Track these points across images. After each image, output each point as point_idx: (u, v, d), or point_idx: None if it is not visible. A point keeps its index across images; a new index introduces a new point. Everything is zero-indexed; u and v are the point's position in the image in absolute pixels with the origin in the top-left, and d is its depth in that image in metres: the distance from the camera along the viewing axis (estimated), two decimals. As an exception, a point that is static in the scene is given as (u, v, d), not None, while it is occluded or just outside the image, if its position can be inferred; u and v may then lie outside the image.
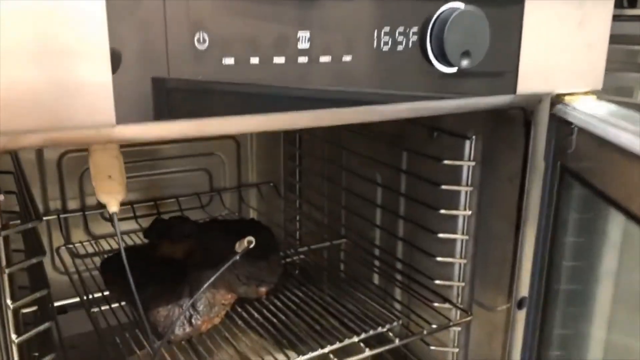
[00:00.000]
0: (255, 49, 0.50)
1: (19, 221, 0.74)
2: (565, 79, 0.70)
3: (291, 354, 0.76)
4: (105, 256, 0.99)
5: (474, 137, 0.86)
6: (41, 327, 0.59)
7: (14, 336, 0.56)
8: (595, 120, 0.61)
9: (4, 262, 0.54)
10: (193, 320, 0.78)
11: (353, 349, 0.79)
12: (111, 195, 0.60)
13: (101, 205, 1.24)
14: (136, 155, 1.23)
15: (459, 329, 0.91)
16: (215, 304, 0.80)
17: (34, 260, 0.61)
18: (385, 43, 0.56)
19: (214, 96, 0.50)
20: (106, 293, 0.91)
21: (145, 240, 1.03)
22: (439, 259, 0.92)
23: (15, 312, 0.65)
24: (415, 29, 0.57)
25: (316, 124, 0.59)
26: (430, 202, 0.92)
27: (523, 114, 0.73)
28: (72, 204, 1.21)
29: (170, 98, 0.48)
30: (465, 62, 0.59)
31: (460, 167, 0.88)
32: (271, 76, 0.52)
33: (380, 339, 0.84)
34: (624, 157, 0.55)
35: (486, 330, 0.88)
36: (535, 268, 0.76)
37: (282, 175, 1.40)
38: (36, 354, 0.84)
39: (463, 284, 0.91)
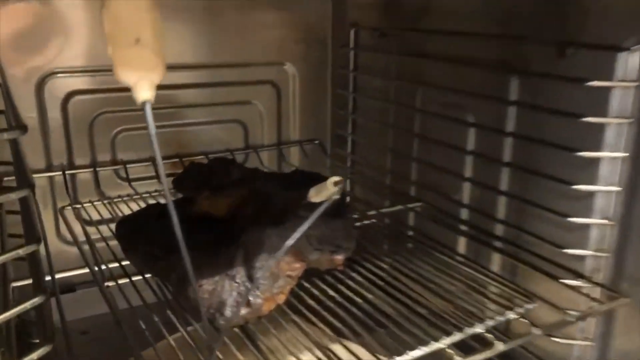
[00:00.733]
0: None
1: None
2: None
3: (393, 346, 0.52)
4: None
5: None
6: (26, 305, 0.36)
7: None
8: None
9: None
10: (251, 298, 0.55)
11: (472, 342, 0.55)
12: (140, 73, 0.35)
13: (116, 161, 1.05)
14: (156, 102, 1.00)
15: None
16: (279, 275, 0.57)
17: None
18: None
19: None
20: (125, 263, 0.68)
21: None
22: (572, 219, 0.68)
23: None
24: None
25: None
26: (559, 142, 0.68)
27: None
28: (80, 160, 0.98)
29: None
30: None
31: (608, 91, 0.64)
32: None
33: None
34: None
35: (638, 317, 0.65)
36: None
37: (329, 127, 1.17)
38: (37, 340, 0.67)
39: (607, 254, 0.67)
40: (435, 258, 0.71)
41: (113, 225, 0.71)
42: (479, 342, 0.55)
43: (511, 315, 0.58)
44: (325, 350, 0.53)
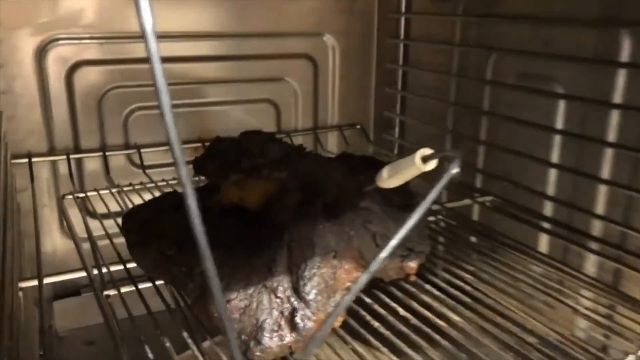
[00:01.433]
0: None
1: None
2: None
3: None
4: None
5: None
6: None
7: None
8: None
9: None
10: (299, 319, 0.39)
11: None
12: None
13: (129, 145, 0.90)
14: (175, 76, 0.86)
15: None
16: (336, 287, 0.41)
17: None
18: None
19: None
20: (131, 266, 0.53)
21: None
22: None
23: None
24: None
25: None
26: None
27: None
28: (88, 143, 0.84)
29: None
30: None
31: None
32: None
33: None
34: None
35: None
36: None
37: (372, 108, 1.01)
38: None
39: None
40: (533, 268, 0.55)
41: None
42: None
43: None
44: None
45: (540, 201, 0.71)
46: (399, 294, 0.48)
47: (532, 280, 0.51)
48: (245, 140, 0.49)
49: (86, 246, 0.60)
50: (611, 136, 0.62)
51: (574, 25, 0.63)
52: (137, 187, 0.75)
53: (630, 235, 0.59)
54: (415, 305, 0.47)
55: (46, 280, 0.53)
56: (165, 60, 0.83)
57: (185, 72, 0.88)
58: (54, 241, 0.85)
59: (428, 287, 0.49)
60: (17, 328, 0.47)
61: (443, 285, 0.50)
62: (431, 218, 0.65)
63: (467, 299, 0.47)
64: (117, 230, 0.57)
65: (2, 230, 0.46)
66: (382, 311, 0.46)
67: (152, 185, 0.77)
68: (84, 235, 0.62)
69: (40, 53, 0.78)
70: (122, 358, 0.40)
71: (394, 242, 0.23)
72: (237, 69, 0.91)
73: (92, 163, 0.84)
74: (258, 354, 0.38)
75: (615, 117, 0.62)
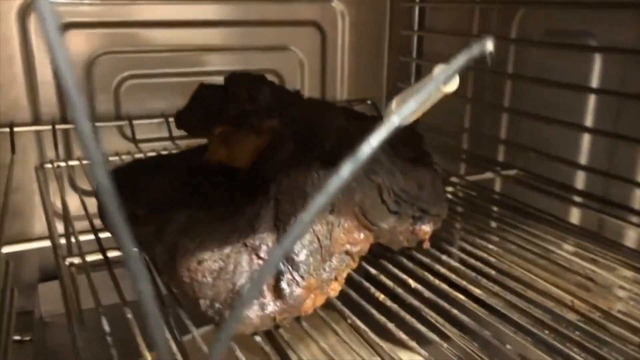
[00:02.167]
0: None
1: None
2: None
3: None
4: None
5: None
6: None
7: None
8: None
9: None
10: (285, 285, 0.32)
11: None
12: None
13: (120, 115, 0.83)
14: (172, 42, 0.80)
15: None
16: (332, 249, 0.34)
17: None
18: None
19: None
20: (105, 236, 0.46)
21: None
22: None
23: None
24: None
25: None
26: None
27: None
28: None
29: None
30: None
31: None
32: None
33: None
34: None
35: None
36: None
37: (384, 81, 0.93)
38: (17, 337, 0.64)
39: None
40: (565, 237, 0.47)
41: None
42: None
43: None
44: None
45: (571, 174, 0.63)
46: (410, 264, 0.41)
47: (568, 253, 0.43)
48: (232, 85, 0.42)
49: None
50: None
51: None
52: (123, 156, 0.69)
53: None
54: (429, 277, 0.39)
55: (7, 249, 0.47)
56: (164, 24, 0.78)
57: (184, 38, 0.81)
58: (41, 215, 0.79)
59: (445, 257, 0.42)
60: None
61: (463, 256, 0.42)
62: (449, 189, 0.57)
63: (491, 271, 0.40)
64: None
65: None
66: (389, 283, 0.38)
67: (141, 155, 0.70)
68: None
69: (24, 13, 0.71)
70: (73, 332, 0.33)
71: (367, 149, 0.16)
72: (239, 36, 0.84)
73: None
74: (234, 325, 0.31)
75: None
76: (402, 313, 0.35)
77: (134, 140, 0.77)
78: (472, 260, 0.41)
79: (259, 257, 0.32)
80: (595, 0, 0.57)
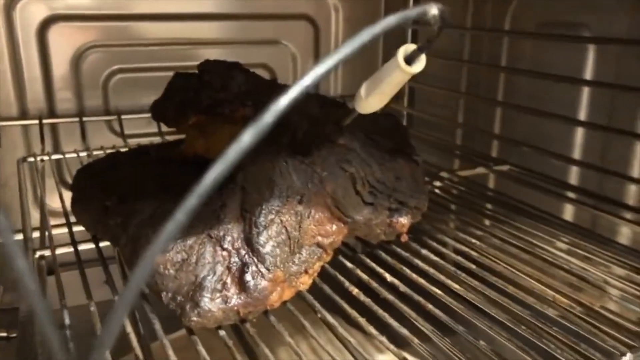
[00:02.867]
0: None
1: None
2: None
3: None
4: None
5: None
6: None
7: None
8: None
9: None
10: (249, 277, 0.30)
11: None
12: None
13: (108, 110, 0.82)
14: (162, 35, 0.79)
15: None
16: (302, 241, 0.33)
17: None
18: None
19: None
20: (78, 229, 0.45)
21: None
22: None
23: None
24: None
25: None
26: None
27: None
28: (63, 107, 0.77)
29: None
30: None
31: None
32: None
33: None
34: None
35: None
36: None
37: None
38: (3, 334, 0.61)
39: None
40: (551, 232, 0.45)
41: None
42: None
43: None
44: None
45: (564, 170, 0.62)
46: (388, 258, 0.39)
47: (553, 248, 0.41)
48: (207, 72, 0.41)
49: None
50: (651, 86, 0.53)
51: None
52: (108, 150, 0.68)
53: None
54: (406, 271, 0.38)
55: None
56: (154, 17, 0.77)
57: (175, 31, 0.80)
58: (30, 210, 0.78)
59: (425, 252, 0.40)
60: None
61: (443, 250, 0.41)
62: (437, 184, 0.56)
63: (472, 266, 0.38)
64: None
65: None
66: (364, 276, 0.37)
67: (126, 149, 0.69)
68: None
69: (9, 6, 0.70)
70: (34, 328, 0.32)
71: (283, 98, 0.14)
72: (231, 30, 0.83)
73: (68, 130, 0.77)
74: (195, 319, 0.30)
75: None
76: (375, 307, 0.33)
77: (122, 135, 0.76)
78: (452, 255, 0.40)
79: (223, 249, 0.31)
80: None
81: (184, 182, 0.41)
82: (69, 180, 0.72)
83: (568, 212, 0.61)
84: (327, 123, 0.35)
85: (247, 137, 0.13)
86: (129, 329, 0.32)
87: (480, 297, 0.34)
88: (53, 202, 0.68)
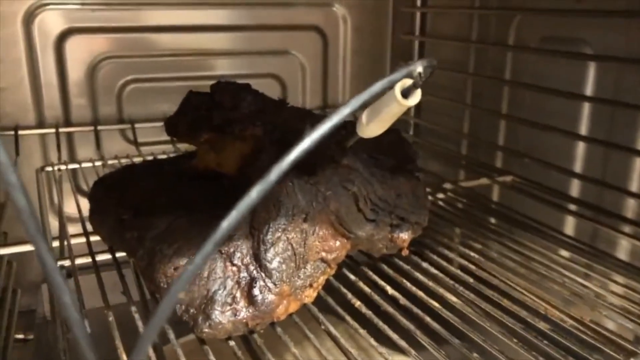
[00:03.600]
0: None
1: None
2: None
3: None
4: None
5: None
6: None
7: None
8: None
9: None
10: (257, 291, 0.33)
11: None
12: None
13: (122, 119, 0.85)
14: (174, 47, 0.81)
15: None
16: (307, 257, 0.35)
17: None
18: None
19: None
20: (95, 239, 0.47)
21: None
22: None
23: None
24: None
25: None
26: None
27: None
28: (79, 116, 0.79)
29: None
30: None
31: None
32: None
33: None
34: None
35: None
36: None
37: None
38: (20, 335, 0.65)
39: None
40: (548, 246, 0.47)
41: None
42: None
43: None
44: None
45: (566, 182, 0.63)
46: (389, 271, 0.41)
47: (550, 262, 0.43)
48: (218, 92, 0.43)
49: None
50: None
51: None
52: (123, 160, 0.70)
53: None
54: (407, 284, 0.40)
55: (9, 251, 0.49)
56: (167, 29, 0.79)
57: (187, 43, 0.82)
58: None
59: (425, 265, 0.42)
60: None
61: (443, 263, 0.43)
62: (440, 195, 0.58)
63: (470, 279, 0.40)
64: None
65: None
66: (366, 289, 0.39)
67: (140, 159, 0.71)
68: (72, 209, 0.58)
69: (29, 19, 0.73)
70: (55, 332, 0.34)
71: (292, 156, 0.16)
72: (241, 41, 0.85)
73: (83, 138, 0.79)
74: (206, 330, 0.32)
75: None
76: (376, 320, 0.35)
77: (135, 143, 0.79)
78: (451, 268, 0.42)
79: (233, 264, 0.33)
80: (584, 9, 0.57)
81: (197, 196, 0.43)
82: (84, 188, 0.75)
83: (569, 223, 0.63)
84: (331, 144, 0.37)
85: (273, 176, 0.15)
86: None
87: (476, 309, 0.36)
88: (68, 207, 0.70)
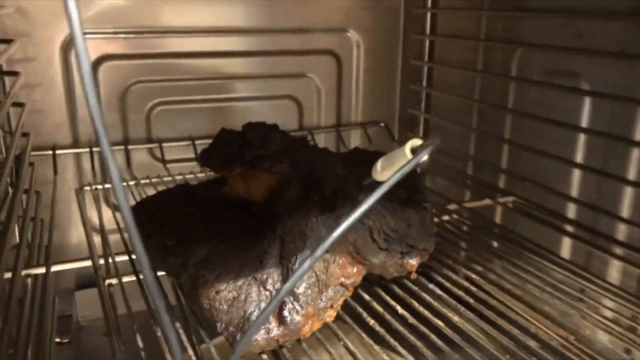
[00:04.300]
0: None
1: None
2: None
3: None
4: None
5: None
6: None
7: None
8: None
9: None
10: (287, 313, 0.38)
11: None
12: None
13: (150, 138, 0.91)
14: (199, 71, 0.86)
15: None
16: (328, 282, 0.40)
17: None
18: None
19: None
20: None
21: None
22: None
23: None
24: None
25: None
26: None
27: None
28: (111, 136, 0.85)
29: None
30: None
31: None
32: None
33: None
34: None
35: None
36: None
37: (397, 106, 0.99)
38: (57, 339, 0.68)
39: None
40: (543, 269, 0.52)
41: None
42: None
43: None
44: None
45: (564, 204, 0.68)
46: (400, 292, 0.47)
47: (543, 284, 0.48)
48: (248, 131, 0.49)
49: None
50: (638, 133, 0.59)
51: (602, 17, 0.60)
52: (154, 180, 0.76)
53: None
54: (415, 304, 0.45)
55: (54, 268, 0.54)
56: (191, 55, 0.85)
57: (213, 67, 0.88)
58: (79, 232, 0.87)
59: (431, 286, 0.48)
60: (21, 312, 0.48)
61: (447, 285, 0.48)
62: (445, 217, 0.63)
63: (471, 300, 0.45)
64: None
65: (9, 217, 0.47)
66: (379, 309, 0.44)
67: (170, 178, 0.77)
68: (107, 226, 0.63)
69: (66, 47, 0.79)
70: (112, 344, 0.40)
71: (339, 231, 0.22)
72: (261, 65, 0.91)
73: (114, 157, 0.85)
74: (245, 345, 0.37)
75: (642, 115, 0.59)
76: (387, 337, 0.41)
77: (162, 161, 0.85)
78: (455, 289, 0.47)
79: (266, 289, 0.39)
80: (579, 47, 0.62)
81: (230, 223, 0.49)
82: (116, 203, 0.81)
83: (567, 244, 0.68)
84: (350, 182, 0.42)
85: (319, 252, 0.20)
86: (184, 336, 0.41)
87: (475, 328, 0.41)
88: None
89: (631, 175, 0.60)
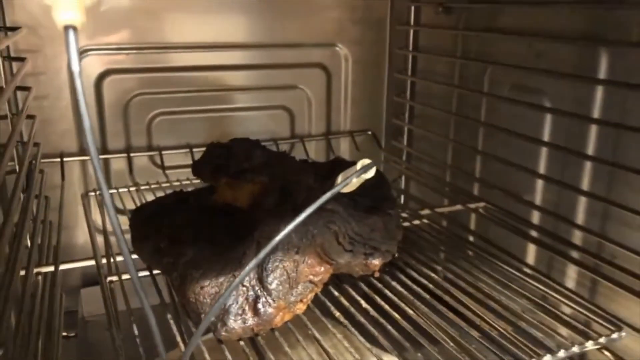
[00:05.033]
0: None
1: None
2: None
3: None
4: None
5: None
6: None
7: None
8: None
9: None
10: (260, 306, 0.45)
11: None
12: None
13: (151, 147, 0.97)
14: (197, 83, 0.93)
15: None
16: (298, 280, 0.47)
17: None
18: None
19: None
20: (136, 257, 0.60)
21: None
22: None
23: None
24: None
25: None
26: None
27: None
28: (114, 145, 0.92)
29: None
30: None
31: None
32: None
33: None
34: None
35: None
36: None
37: (384, 116, 1.06)
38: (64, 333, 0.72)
39: None
40: (497, 269, 0.59)
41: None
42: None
43: (590, 345, 0.45)
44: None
45: (530, 210, 0.74)
46: (365, 288, 0.53)
47: (494, 282, 0.55)
48: (234, 146, 0.55)
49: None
50: (590, 148, 0.65)
51: (558, 40, 0.66)
52: (153, 186, 0.83)
53: (606, 245, 0.62)
54: (377, 299, 0.51)
55: (62, 267, 0.61)
56: (190, 69, 0.92)
57: (210, 80, 0.94)
58: (85, 233, 0.93)
59: (394, 283, 0.54)
60: (32, 308, 0.54)
61: (408, 282, 0.54)
62: (416, 222, 0.69)
63: (427, 296, 0.52)
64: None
65: (22, 221, 0.54)
66: (345, 303, 0.51)
67: (167, 184, 0.84)
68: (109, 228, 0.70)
69: (73, 63, 0.86)
70: (113, 335, 0.47)
71: (278, 237, 0.28)
72: (256, 78, 0.97)
73: (117, 163, 0.92)
74: (224, 333, 0.44)
75: (593, 131, 0.64)
76: (349, 327, 0.47)
77: (162, 167, 0.91)
78: (414, 287, 0.54)
79: (243, 285, 0.45)
80: (537, 68, 0.68)
81: (214, 229, 0.55)
82: (121, 207, 0.87)
83: (531, 250, 0.74)
84: (319, 192, 0.48)
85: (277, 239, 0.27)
86: (175, 331, 0.47)
87: (428, 320, 0.48)
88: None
89: (585, 184, 0.66)
